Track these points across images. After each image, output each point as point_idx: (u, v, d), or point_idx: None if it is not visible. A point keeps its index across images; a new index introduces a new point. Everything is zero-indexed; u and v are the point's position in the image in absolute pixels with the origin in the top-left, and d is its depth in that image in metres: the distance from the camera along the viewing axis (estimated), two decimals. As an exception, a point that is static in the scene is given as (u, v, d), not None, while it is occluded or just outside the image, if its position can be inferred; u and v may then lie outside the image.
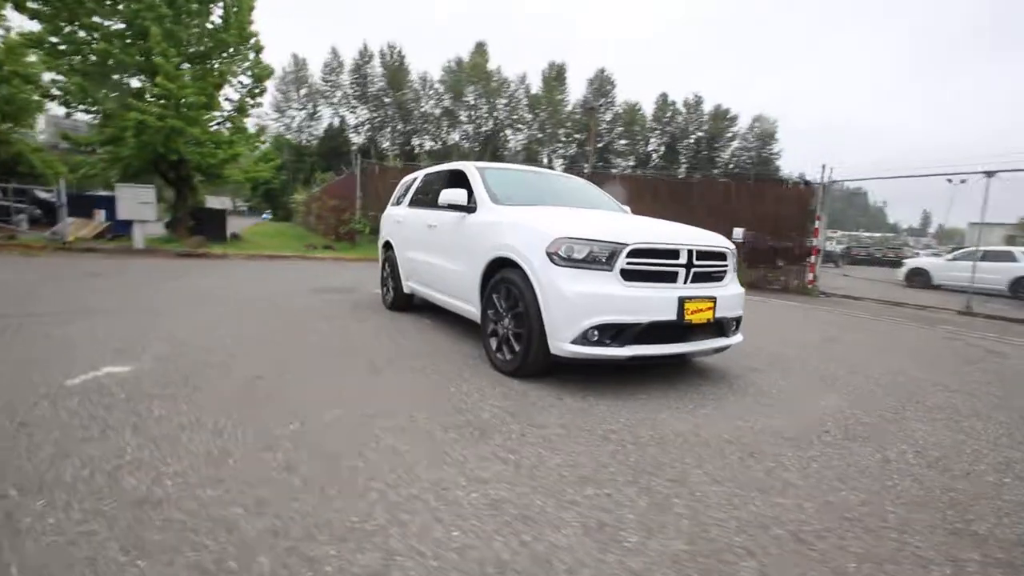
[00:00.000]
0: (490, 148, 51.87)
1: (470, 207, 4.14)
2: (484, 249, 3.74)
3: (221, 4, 13.41)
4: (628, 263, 3.08)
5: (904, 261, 19.60)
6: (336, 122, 53.43)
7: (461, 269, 4.13)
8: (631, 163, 55.41)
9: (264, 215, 48.26)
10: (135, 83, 13.12)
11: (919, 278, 16.51)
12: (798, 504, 1.99)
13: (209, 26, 13.55)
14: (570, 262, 3.09)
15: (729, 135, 57.29)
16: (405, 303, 5.75)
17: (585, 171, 20.21)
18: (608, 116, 55.85)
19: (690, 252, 3.27)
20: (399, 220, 5.73)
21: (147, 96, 12.80)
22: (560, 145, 56.30)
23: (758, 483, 2.14)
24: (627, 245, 3.07)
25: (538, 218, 3.47)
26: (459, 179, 4.73)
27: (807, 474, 2.26)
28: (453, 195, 4.14)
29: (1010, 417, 3.24)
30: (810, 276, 11.53)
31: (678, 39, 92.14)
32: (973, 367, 4.71)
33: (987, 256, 15.12)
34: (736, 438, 2.61)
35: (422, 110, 53.08)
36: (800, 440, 2.64)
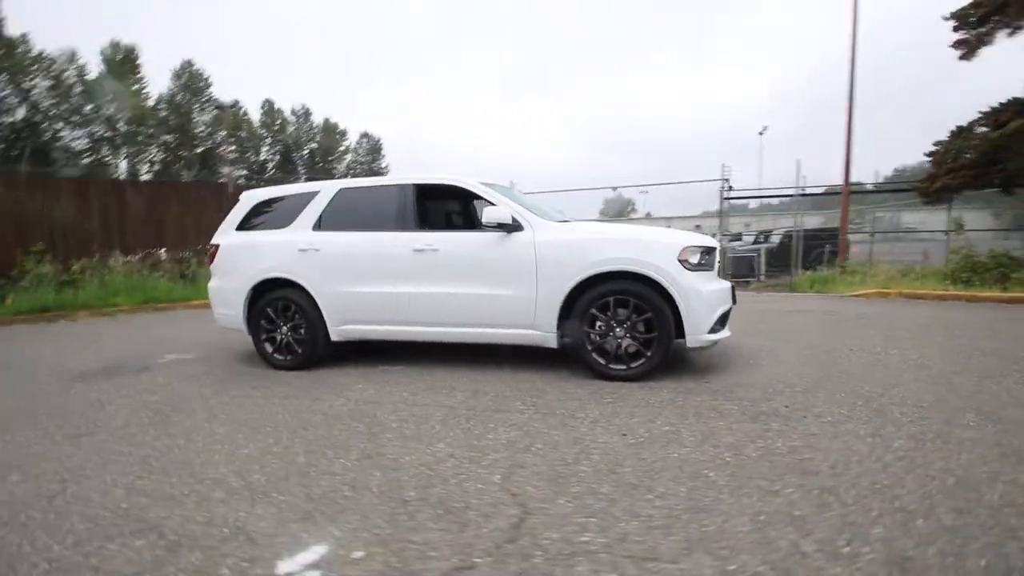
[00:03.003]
0: (27, 146, 36.77)
1: (517, 226, 3.87)
2: (577, 267, 3.69)
3: None
4: (716, 262, 3.86)
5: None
6: None
7: (520, 293, 3.84)
8: (243, 172, 50.08)
9: None
10: None
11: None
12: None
13: None
14: (692, 266, 3.62)
15: (342, 149, 59.41)
16: (323, 356, 4.47)
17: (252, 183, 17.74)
18: (206, 117, 48.47)
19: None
20: (308, 248, 4.37)
21: None
22: (140, 146, 45.21)
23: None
24: (716, 248, 3.85)
25: (647, 231, 3.78)
26: (445, 195, 4.21)
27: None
28: (499, 214, 3.82)
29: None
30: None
31: (279, 46, 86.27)
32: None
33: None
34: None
35: None
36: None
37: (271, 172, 53.18)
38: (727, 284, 3.97)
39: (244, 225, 4.81)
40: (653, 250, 3.62)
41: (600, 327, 3.72)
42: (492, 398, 3.38)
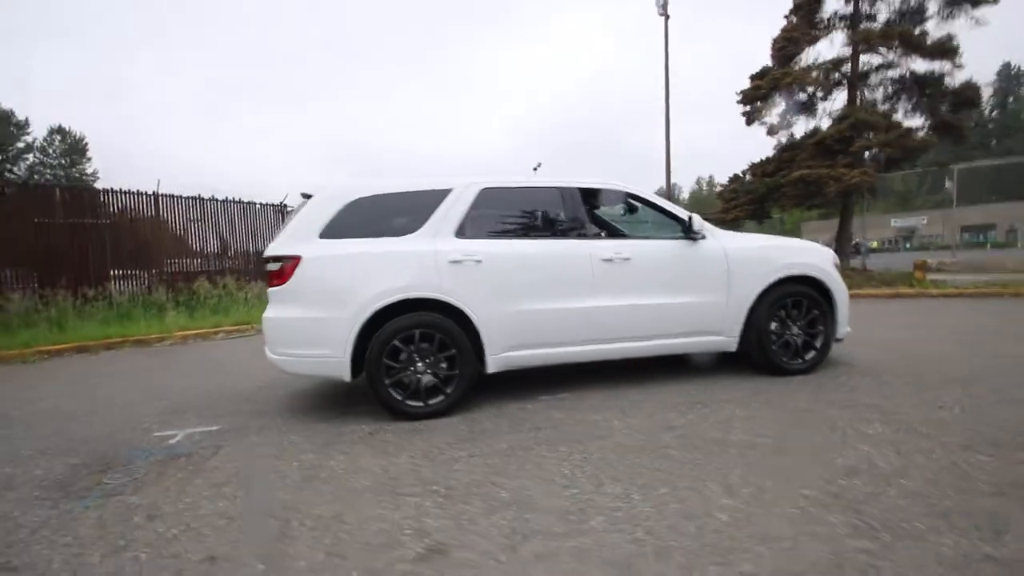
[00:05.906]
0: None
1: (702, 234, 3.93)
2: (763, 273, 3.95)
3: None
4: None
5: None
6: None
7: (712, 300, 3.91)
8: None
9: None
10: None
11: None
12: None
13: None
14: (837, 272, 4.29)
15: (21, 145, 43.92)
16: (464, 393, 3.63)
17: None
18: None
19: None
20: (464, 260, 3.52)
21: None
22: None
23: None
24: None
25: (798, 242, 4.39)
26: (607, 199, 4.05)
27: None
28: (701, 222, 3.93)
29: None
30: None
31: None
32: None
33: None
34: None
35: None
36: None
37: None
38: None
39: (333, 231, 3.52)
40: (822, 258, 4.18)
41: (776, 327, 4.06)
42: (729, 406, 3.36)
